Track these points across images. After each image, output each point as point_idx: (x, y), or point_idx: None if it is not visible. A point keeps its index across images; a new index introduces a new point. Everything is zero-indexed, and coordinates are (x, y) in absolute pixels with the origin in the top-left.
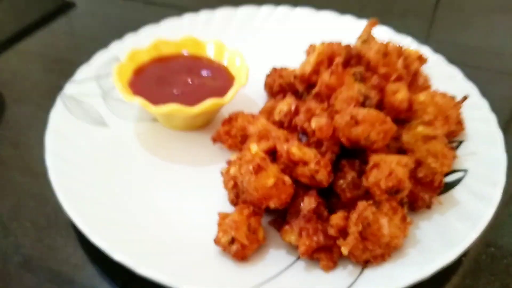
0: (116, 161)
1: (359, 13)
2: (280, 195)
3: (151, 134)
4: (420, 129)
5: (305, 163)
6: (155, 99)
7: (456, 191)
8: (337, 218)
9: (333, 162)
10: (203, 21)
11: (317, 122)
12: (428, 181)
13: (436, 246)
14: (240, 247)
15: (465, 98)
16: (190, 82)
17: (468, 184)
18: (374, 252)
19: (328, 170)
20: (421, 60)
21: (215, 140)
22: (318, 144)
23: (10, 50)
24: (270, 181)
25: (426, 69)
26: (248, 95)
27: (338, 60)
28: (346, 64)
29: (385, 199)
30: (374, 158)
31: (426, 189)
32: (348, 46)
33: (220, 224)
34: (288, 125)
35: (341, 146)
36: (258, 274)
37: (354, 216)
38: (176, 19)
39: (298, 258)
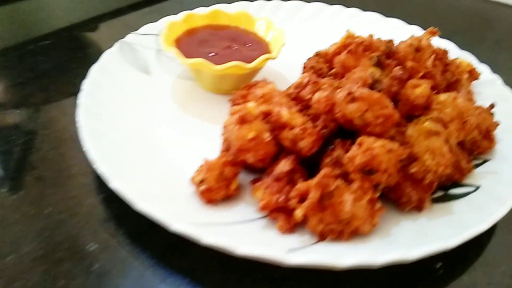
0: (144, 107)
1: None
2: (258, 150)
3: (184, 90)
4: (426, 123)
5: (292, 128)
6: (191, 56)
7: (457, 203)
8: (303, 184)
9: (325, 137)
10: (270, 8)
11: (318, 95)
12: (419, 178)
13: (404, 242)
14: (207, 188)
15: (492, 106)
16: (228, 48)
17: (473, 199)
18: (330, 226)
19: (312, 139)
20: (472, 74)
21: (232, 101)
22: (315, 118)
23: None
24: (250, 134)
25: (477, 87)
26: (287, 77)
27: (359, 39)
28: (369, 50)
29: (358, 179)
30: (361, 138)
31: (415, 187)
32: (390, 42)
33: (200, 166)
34: (296, 97)
35: (340, 128)
36: (216, 216)
37: (315, 179)
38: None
39: (262, 217)
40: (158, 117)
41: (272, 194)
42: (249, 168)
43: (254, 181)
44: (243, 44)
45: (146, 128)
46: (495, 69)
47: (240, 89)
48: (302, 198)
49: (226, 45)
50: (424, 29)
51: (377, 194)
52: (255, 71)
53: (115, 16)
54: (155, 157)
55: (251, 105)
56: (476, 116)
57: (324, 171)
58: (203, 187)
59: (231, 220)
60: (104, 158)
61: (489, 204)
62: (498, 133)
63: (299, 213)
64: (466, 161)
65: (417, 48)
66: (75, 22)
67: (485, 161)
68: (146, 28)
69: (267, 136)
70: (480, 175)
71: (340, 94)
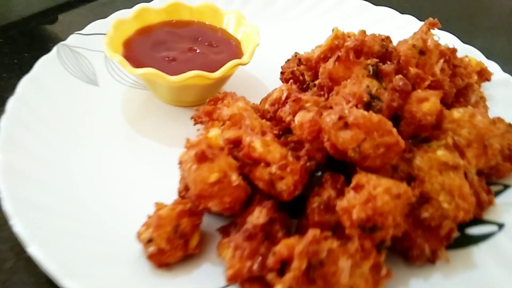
0: (86, 130)
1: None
2: (223, 197)
3: (138, 103)
4: (440, 153)
5: (268, 164)
6: (144, 62)
7: (479, 250)
8: (283, 246)
9: (311, 173)
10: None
11: (301, 117)
12: (434, 225)
13: None
14: (157, 251)
15: None
16: (189, 50)
17: (499, 244)
18: None
19: (295, 179)
20: (483, 74)
21: (195, 120)
22: (297, 146)
23: None
24: (213, 176)
25: (489, 89)
26: (264, 82)
27: (350, 44)
28: (362, 53)
29: (356, 235)
30: (359, 178)
31: (429, 236)
32: (385, 39)
33: (149, 216)
34: (273, 116)
35: (330, 156)
36: (169, 286)
37: (299, 246)
38: None
39: (228, 285)
40: (102, 144)
41: (243, 260)
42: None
43: (222, 231)
44: (209, 45)
45: (84, 163)
46: (491, 57)
47: (206, 103)
48: (284, 264)
49: (187, 47)
50: (418, 18)
51: (383, 257)
52: (222, 79)
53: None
54: (91, 207)
55: (213, 133)
56: (500, 137)
57: (311, 234)
58: (151, 249)
59: None
60: (24, 212)
61: None
62: None
63: None
64: (485, 192)
65: (422, 50)
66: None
67: (506, 187)
68: (92, 27)
69: (234, 179)
70: (502, 208)
71: (329, 119)
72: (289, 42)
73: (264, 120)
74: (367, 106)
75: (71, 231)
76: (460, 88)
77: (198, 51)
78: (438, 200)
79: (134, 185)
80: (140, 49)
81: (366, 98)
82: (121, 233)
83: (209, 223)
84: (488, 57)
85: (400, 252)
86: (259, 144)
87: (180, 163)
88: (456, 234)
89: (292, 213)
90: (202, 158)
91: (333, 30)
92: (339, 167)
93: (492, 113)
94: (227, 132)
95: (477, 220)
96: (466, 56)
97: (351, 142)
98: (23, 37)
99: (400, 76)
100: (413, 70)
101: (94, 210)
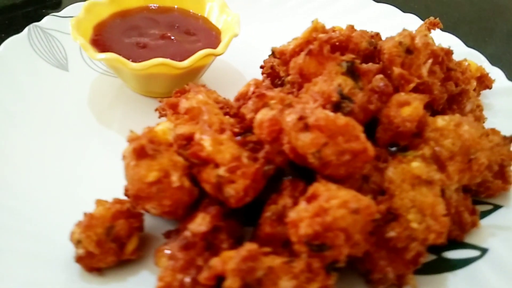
0: (49, 116)
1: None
2: (162, 199)
3: (107, 92)
4: (415, 165)
5: (217, 166)
6: (113, 47)
7: (455, 277)
8: (222, 258)
9: (269, 177)
10: None
11: (262, 115)
12: (400, 247)
13: None
14: (85, 254)
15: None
16: (163, 37)
17: (479, 271)
18: None
19: (245, 184)
20: (483, 80)
21: (159, 112)
22: (257, 147)
23: None
24: (152, 175)
25: (489, 97)
26: (247, 78)
27: (324, 37)
28: (348, 50)
29: (305, 253)
30: (316, 187)
31: (394, 259)
32: (375, 36)
33: (85, 215)
34: (237, 113)
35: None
36: None
37: (231, 262)
38: None
39: None
40: (59, 132)
41: (175, 272)
42: None
43: (167, 236)
44: (186, 33)
45: (37, 150)
46: (502, 64)
47: (172, 95)
48: (221, 281)
49: (160, 34)
50: (422, 19)
51: (332, 280)
52: (194, 70)
53: None
54: (32, 201)
55: (161, 127)
56: (489, 151)
57: (245, 249)
58: (79, 251)
59: None
60: None
61: (502, 282)
62: None
63: None
64: (469, 212)
65: (409, 49)
66: None
67: (495, 208)
68: (70, 9)
69: (175, 180)
70: (488, 231)
71: (289, 118)
72: (280, 37)
73: (227, 117)
74: (336, 107)
75: (3, 225)
76: (454, 94)
77: (172, 38)
78: (407, 218)
79: (86, 179)
80: (111, 34)
81: (335, 97)
82: (59, 231)
83: (157, 225)
84: (494, 64)
85: (361, 274)
86: (209, 142)
87: (124, 158)
88: (425, 258)
89: (248, 220)
90: (141, 154)
91: (312, 22)
92: (307, 173)
93: (491, 124)
94: (181, 127)
95: (458, 243)
96: (465, 60)
97: (311, 146)
98: (26, 19)
99: (381, 76)
100: (397, 70)
101: (35, 205)
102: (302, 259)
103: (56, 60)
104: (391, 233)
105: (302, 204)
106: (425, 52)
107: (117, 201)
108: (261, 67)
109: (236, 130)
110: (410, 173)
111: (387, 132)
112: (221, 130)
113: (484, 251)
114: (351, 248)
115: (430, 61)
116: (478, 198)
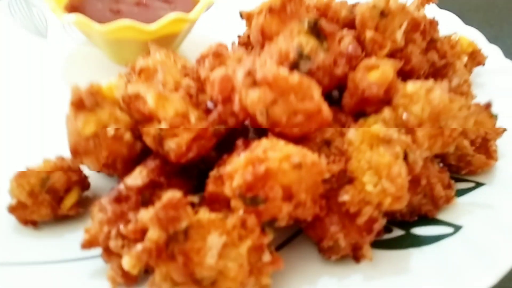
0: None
1: None
2: (98, 154)
3: (83, 61)
4: (376, 127)
5: (159, 121)
6: (87, 12)
7: (421, 253)
8: (146, 214)
9: (221, 138)
10: None
11: (215, 74)
12: (353, 212)
13: None
14: (16, 203)
15: (489, 104)
16: (136, 4)
17: (449, 248)
18: (184, 286)
19: (188, 138)
20: (475, 57)
21: (126, 77)
22: (210, 109)
23: None
24: (88, 129)
25: (483, 75)
26: None
27: None
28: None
29: (241, 210)
30: (261, 141)
31: (346, 225)
32: (355, 5)
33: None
34: (195, 76)
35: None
36: (25, 249)
37: (151, 210)
38: None
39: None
40: (29, 97)
41: (102, 224)
42: None
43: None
44: (163, 1)
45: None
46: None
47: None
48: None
49: (136, 0)
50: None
51: (267, 238)
52: (167, 37)
53: None
54: None
55: (108, 83)
56: (465, 119)
57: (166, 196)
58: (12, 201)
59: (47, 257)
60: None
61: (473, 261)
62: (500, 144)
63: (125, 263)
64: (443, 186)
65: (383, 12)
66: None
67: (477, 185)
68: None
69: (110, 129)
70: (465, 209)
71: (239, 74)
72: None
73: (186, 78)
74: (293, 66)
75: None
76: (439, 67)
77: (148, 5)
78: (362, 181)
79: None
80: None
81: (293, 56)
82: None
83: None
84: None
85: (314, 243)
86: (152, 97)
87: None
88: (380, 225)
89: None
90: (79, 106)
91: None
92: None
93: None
94: (132, 86)
95: (429, 219)
96: (455, 34)
97: (258, 103)
98: None
99: (350, 38)
100: (369, 33)
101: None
102: (237, 215)
103: (36, 28)
104: (345, 197)
105: (241, 155)
106: (401, 16)
107: (60, 157)
108: (238, 36)
109: (192, 91)
110: (369, 134)
111: (353, 97)
112: (174, 90)
113: (457, 228)
114: (296, 208)
115: (404, 24)
116: (459, 176)
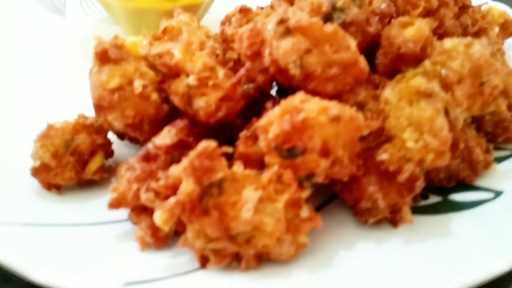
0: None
1: None
2: (125, 109)
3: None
4: (416, 80)
5: (188, 76)
6: None
7: (461, 217)
8: (178, 169)
9: (251, 98)
10: None
11: (244, 28)
12: (392, 171)
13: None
14: (40, 165)
15: None
16: None
17: (491, 212)
18: (216, 243)
19: (218, 96)
20: (507, 27)
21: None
22: (238, 68)
23: None
24: (113, 81)
25: None
26: None
27: None
28: None
29: (276, 164)
30: (296, 94)
31: (385, 186)
32: None
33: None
34: (221, 37)
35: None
36: (43, 213)
37: (185, 161)
38: None
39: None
40: (54, 76)
41: (131, 183)
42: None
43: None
44: None
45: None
46: None
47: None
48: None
49: None
50: None
51: (305, 193)
52: (190, 8)
53: None
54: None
55: (132, 39)
56: (507, 75)
57: (203, 144)
58: (35, 164)
59: (72, 220)
60: None
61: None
62: None
63: (157, 219)
64: (482, 150)
65: None
66: None
67: None
68: None
69: (138, 85)
70: (505, 175)
71: (270, 25)
72: None
73: (211, 40)
74: (326, 19)
75: None
76: (471, 34)
77: None
78: (402, 138)
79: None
80: None
81: (325, 8)
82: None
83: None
84: None
85: (349, 206)
86: (180, 50)
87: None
88: (421, 184)
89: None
90: (104, 58)
91: None
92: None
93: None
94: (157, 46)
95: (467, 186)
96: (487, 3)
97: (291, 52)
98: None
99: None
100: None
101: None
102: (272, 170)
103: (54, 5)
104: (383, 155)
105: (276, 109)
106: None
107: (81, 116)
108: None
109: (218, 52)
110: (409, 89)
111: (388, 55)
112: (199, 49)
113: (498, 193)
114: (333, 165)
115: None
116: (495, 144)
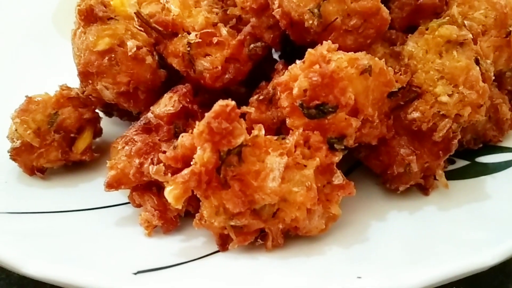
0: None
1: None
2: (117, 74)
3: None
4: (445, 30)
5: (188, 33)
6: None
7: (495, 180)
8: (189, 138)
9: (258, 59)
10: None
11: None
12: (426, 130)
13: (393, 259)
14: (22, 146)
15: None
16: None
17: None
18: (238, 219)
19: (222, 58)
20: None
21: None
22: (241, 27)
23: None
24: (103, 42)
25: None
26: None
27: None
28: None
29: (302, 125)
30: (316, 48)
31: (417, 147)
32: None
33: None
34: None
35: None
36: (31, 199)
37: (200, 126)
38: None
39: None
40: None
41: (130, 157)
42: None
43: None
44: None
45: None
46: None
47: None
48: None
49: None
50: None
51: (338, 157)
52: None
53: None
54: None
55: None
56: None
57: (220, 103)
58: (15, 144)
59: (61, 207)
60: None
61: None
62: None
63: (170, 193)
64: (507, 107)
65: None
66: None
67: None
68: None
69: (132, 45)
70: None
71: None
72: None
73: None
74: None
75: None
76: None
77: None
78: (434, 92)
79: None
80: None
81: None
82: None
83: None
84: None
85: (376, 173)
86: (177, 4)
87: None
88: (456, 143)
89: None
90: (89, 17)
91: None
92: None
93: None
94: (147, 6)
95: (493, 147)
96: None
97: (308, 0)
98: None
99: None
100: None
101: None
102: (297, 133)
103: None
104: (414, 114)
105: (298, 63)
106: None
107: (65, 87)
108: None
109: (216, 9)
110: (436, 40)
111: (405, 8)
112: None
113: None
114: (363, 125)
115: None
116: None
